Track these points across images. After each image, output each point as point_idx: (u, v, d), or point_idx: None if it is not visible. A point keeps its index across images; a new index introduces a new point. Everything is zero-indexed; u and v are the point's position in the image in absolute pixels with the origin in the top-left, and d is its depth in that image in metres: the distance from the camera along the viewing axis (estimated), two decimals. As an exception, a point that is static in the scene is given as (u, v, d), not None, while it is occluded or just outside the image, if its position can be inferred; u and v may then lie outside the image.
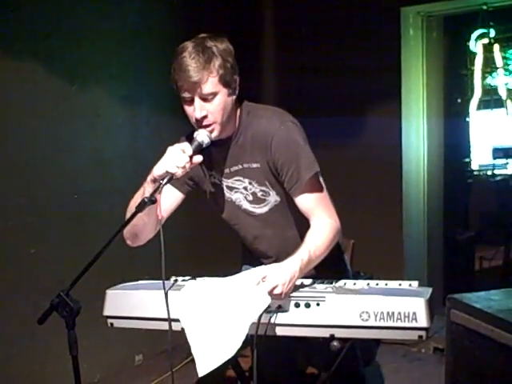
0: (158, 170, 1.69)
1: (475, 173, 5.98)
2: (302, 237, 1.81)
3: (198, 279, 1.93)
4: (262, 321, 1.61)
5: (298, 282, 1.74)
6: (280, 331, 1.66)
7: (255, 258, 2.04)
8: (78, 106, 3.36)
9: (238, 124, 1.88)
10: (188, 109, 1.78)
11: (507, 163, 5.85)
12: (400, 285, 1.80)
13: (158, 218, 1.73)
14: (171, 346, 1.62)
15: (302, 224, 1.88)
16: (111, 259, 1.90)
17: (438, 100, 4.35)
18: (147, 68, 3.76)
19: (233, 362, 1.97)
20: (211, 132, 1.79)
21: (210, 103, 1.75)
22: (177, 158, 1.67)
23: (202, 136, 1.77)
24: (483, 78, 5.34)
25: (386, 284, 1.81)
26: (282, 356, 2.11)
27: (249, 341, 1.60)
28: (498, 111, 5.59)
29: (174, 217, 1.98)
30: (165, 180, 1.65)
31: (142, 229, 1.87)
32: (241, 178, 1.91)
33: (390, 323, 1.56)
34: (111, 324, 1.85)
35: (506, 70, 5.41)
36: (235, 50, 1.80)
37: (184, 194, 1.99)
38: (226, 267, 1.98)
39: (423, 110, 4.15)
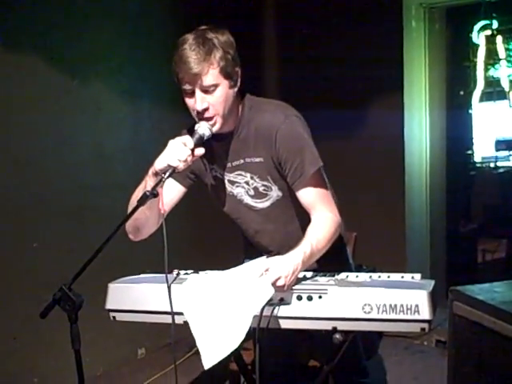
0: (160, 163, 1.68)
1: (478, 165, 5.96)
2: (303, 231, 1.80)
3: (200, 272, 1.92)
4: (265, 314, 1.61)
5: (301, 275, 1.73)
6: (282, 324, 1.65)
7: (257, 252, 2.03)
8: (80, 100, 3.36)
9: (240, 118, 1.86)
10: (189, 101, 1.77)
11: (510, 155, 5.84)
12: (402, 277, 1.79)
13: (159, 212, 1.73)
14: (174, 339, 1.62)
15: (303, 219, 1.87)
16: (113, 253, 1.90)
17: (440, 92, 4.32)
18: (148, 62, 3.75)
19: (235, 355, 1.97)
20: (213, 125, 1.77)
21: (211, 95, 1.74)
22: (178, 151, 1.66)
23: (203, 128, 1.75)
24: (486, 69, 5.31)
25: (389, 276, 1.80)
26: (285, 349, 2.11)
27: (251, 334, 1.60)
28: (500, 103, 5.56)
29: (176, 210, 1.97)
30: (166, 174, 1.64)
31: (144, 223, 1.86)
32: (242, 173, 1.90)
33: (392, 316, 1.55)
34: (114, 317, 1.84)
35: (509, 61, 5.37)
36: (236, 42, 1.79)
37: (186, 187, 1.98)
38: (228, 261, 1.98)
39: (426, 102, 4.12)
